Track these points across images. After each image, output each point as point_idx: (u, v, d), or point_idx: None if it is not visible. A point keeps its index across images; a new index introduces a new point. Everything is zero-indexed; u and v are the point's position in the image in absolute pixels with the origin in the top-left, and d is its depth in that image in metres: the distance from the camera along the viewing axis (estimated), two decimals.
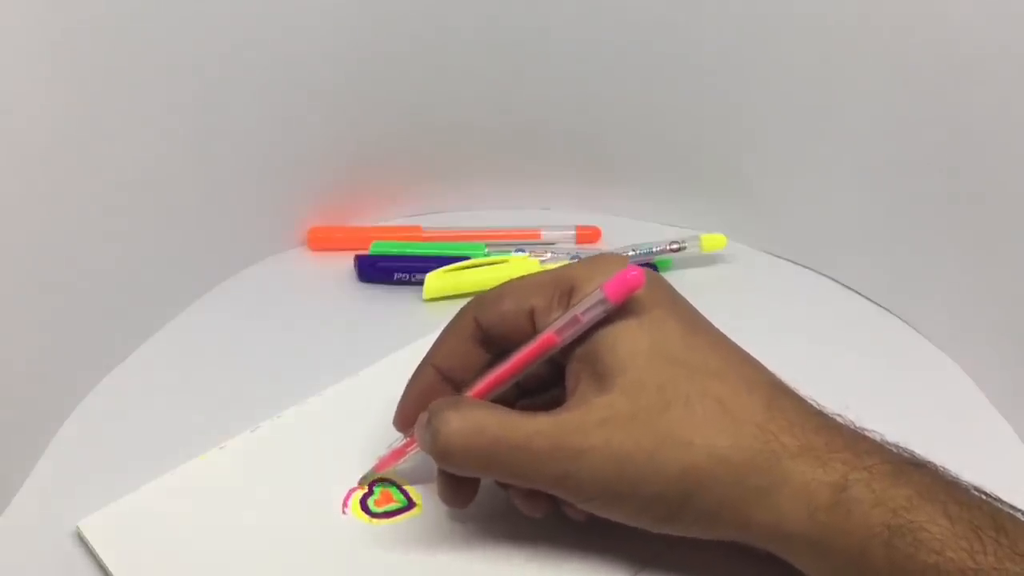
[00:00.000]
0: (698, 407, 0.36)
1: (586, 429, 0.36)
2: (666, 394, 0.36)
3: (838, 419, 0.37)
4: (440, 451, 0.37)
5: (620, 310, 0.37)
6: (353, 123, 0.56)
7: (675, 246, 0.57)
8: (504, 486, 0.40)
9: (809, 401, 0.38)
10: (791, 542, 0.36)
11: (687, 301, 0.40)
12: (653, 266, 0.56)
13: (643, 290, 0.38)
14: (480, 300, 0.41)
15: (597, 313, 0.37)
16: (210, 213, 0.53)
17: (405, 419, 0.42)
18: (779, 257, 0.59)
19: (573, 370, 0.38)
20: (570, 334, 0.38)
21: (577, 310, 0.37)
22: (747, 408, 0.36)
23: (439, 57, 0.56)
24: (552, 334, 0.38)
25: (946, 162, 0.50)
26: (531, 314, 0.39)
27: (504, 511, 0.42)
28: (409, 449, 0.42)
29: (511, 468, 0.37)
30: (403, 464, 0.43)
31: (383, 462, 0.43)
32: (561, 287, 0.39)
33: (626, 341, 0.37)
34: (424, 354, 0.42)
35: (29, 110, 0.42)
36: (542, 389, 0.41)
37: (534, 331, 0.39)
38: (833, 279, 0.57)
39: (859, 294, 0.56)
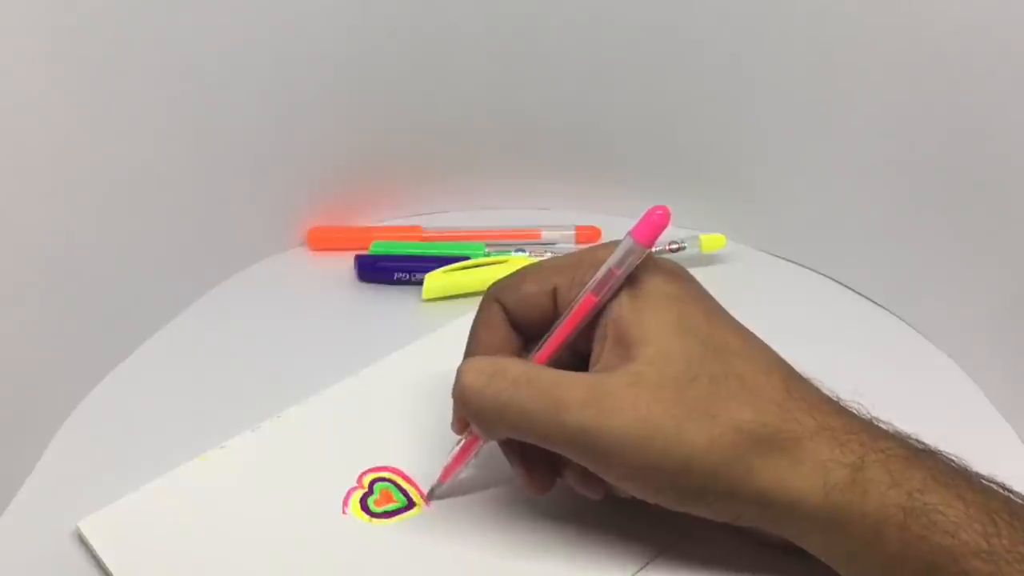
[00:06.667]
0: (722, 383, 0.36)
1: (614, 389, 0.36)
2: (692, 368, 0.36)
3: (852, 407, 0.38)
4: (461, 392, 0.37)
5: (645, 291, 0.37)
6: (353, 123, 0.56)
7: (675, 246, 0.57)
8: (559, 472, 0.39)
9: (823, 390, 0.38)
10: (806, 522, 0.36)
11: (708, 291, 0.40)
12: None
13: (667, 278, 0.38)
14: (501, 285, 0.41)
15: (631, 262, 0.37)
16: (210, 213, 0.53)
17: (462, 420, 0.41)
18: (779, 257, 0.59)
19: (597, 346, 0.38)
20: (607, 290, 0.37)
21: (610, 262, 0.37)
22: (767, 388, 0.36)
23: (439, 57, 0.56)
24: (590, 294, 0.38)
25: (946, 162, 0.50)
26: (553, 294, 0.39)
27: (504, 511, 0.42)
28: (473, 448, 0.41)
29: (533, 417, 0.36)
30: (467, 471, 0.42)
31: (447, 470, 0.42)
32: (582, 267, 0.39)
33: (653, 315, 0.37)
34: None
35: (29, 110, 0.42)
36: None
37: (556, 312, 0.39)
38: (833, 279, 0.57)
39: (859, 294, 0.56)
